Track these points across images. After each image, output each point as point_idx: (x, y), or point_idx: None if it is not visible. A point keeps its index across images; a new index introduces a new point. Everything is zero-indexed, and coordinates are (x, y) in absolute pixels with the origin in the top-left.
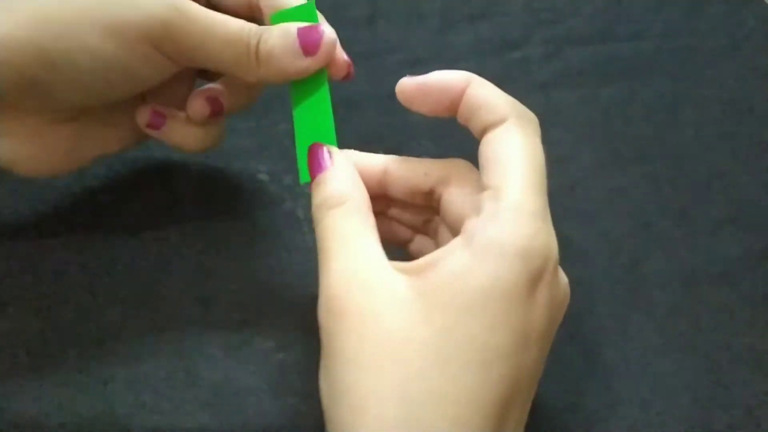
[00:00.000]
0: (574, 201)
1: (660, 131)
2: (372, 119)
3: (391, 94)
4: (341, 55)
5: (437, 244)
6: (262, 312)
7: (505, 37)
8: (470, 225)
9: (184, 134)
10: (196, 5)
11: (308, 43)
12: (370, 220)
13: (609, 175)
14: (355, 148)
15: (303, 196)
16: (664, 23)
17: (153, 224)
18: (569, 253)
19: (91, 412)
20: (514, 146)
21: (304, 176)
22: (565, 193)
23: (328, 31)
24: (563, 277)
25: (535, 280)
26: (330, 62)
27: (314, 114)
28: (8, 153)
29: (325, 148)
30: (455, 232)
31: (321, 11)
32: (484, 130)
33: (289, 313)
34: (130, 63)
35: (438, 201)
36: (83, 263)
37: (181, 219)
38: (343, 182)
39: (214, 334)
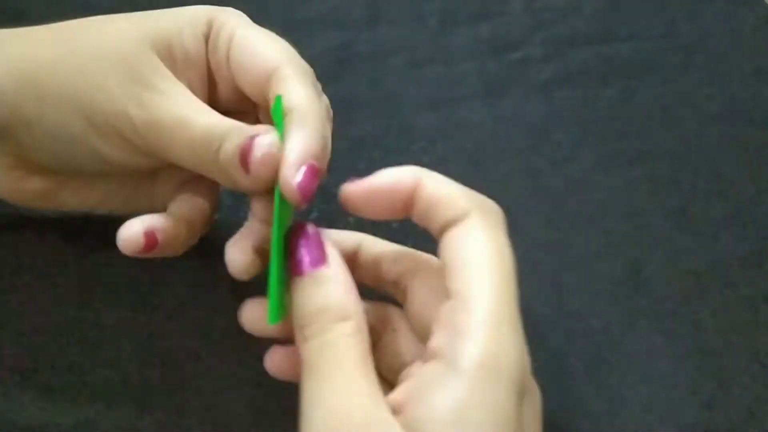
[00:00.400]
0: (575, 201)
1: (660, 131)
2: (371, 121)
3: (391, 95)
4: (290, 176)
5: (397, 340)
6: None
7: (506, 37)
8: (444, 342)
9: (176, 247)
10: (176, 105)
11: (243, 158)
12: (369, 343)
13: (609, 176)
14: (354, 150)
15: None
16: (664, 23)
17: None
18: (569, 253)
19: (91, 413)
20: (478, 246)
21: (273, 314)
22: (565, 194)
23: (264, 143)
24: (534, 383)
25: (521, 394)
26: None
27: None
28: None
29: (323, 233)
30: (419, 331)
31: (321, 14)
32: (444, 228)
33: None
34: (103, 150)
35: (404, 293)
36: (80, 261)
37: None
38: (347, 291)
39: (213, 335)
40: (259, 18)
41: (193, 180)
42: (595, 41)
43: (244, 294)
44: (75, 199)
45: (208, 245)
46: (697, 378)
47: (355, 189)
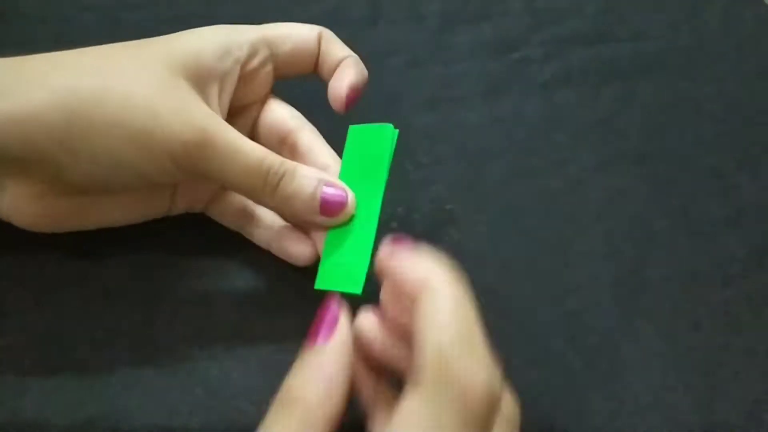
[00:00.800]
0: (575, 201)
1: (660, 131)
2: (371, 121)
3: (391, 96)
4: (342, 90)
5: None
6: (262, 312)
7: (506, 37)
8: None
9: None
10: (225, 130)
11: (329, 208)
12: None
13: (609, 176)
14: None
15: None
16: (664, 23)
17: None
18: (569, 254)
19: (91, 413)
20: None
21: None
22: (565, 194)
23: (351, 197)
24: (511, 401)
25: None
26: None
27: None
28: (7, 209)
29: (343, 312)
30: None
31: (321, 13)
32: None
33: (289, 313)
34: (148, 171)
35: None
36: (81, 262)
37: (182, 220)
38: (328, 378)
39: (213, 335)
40: (259, 18)
41: None
42: (595, 41)
43: (244, 297)
44: (96, 217)
45: (206, 248)
46: (696, 378)
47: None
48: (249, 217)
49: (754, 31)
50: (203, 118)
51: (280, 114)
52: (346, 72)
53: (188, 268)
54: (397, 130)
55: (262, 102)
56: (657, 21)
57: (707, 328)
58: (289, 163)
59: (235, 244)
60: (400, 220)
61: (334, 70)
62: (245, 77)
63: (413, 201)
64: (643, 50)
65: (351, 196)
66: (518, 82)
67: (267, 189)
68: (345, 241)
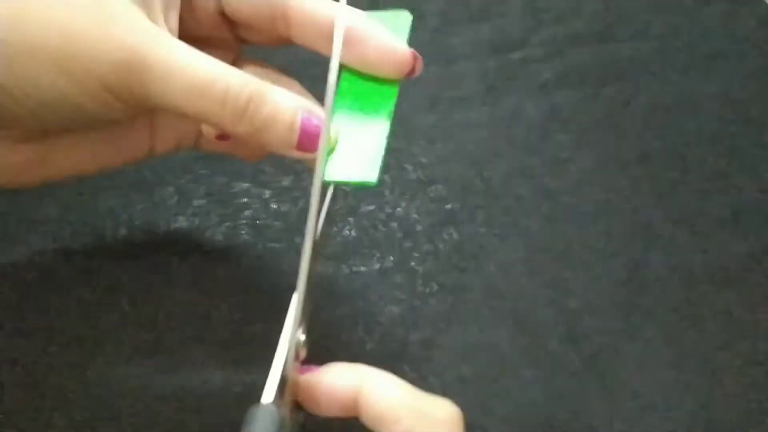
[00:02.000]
0: (575, 202)
1: (660, 132)
2: None
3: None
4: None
5: None
6: (261, 312)
7: (506, 37)
8: None
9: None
10: (161, 44)
11: (309, 142)
12: None
13: (609, 176)
14: None
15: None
16: (664, 23)
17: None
18: (570, 254)
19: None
20: None
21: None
22: (565, 194)
23: (335, 130)
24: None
25: None
26: None
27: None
28: None
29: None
30: None
31: None
32: None
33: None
34: (83, 102)
35: None
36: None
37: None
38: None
39: (214, 335)
40: None
41: None
42: (595, 41)
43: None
44: (64, 164)
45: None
46: (696, 378)
47: (304, 385)
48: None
49: (754, 31)
50: (132, 33)
51: (256, 71)
52: (372, 30)
53: (190, 267)
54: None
55: (221, 34)
56: (657, 21)
57: (707, 328)
58: (254, 84)
59: (234, 244)
60: (400, 220)
61: (329, 32)
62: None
63: (413, 201)
64: (643, 50)
65: (335, 128)
66: (518, 82)
67: (227, 116)
68: (356, 131)
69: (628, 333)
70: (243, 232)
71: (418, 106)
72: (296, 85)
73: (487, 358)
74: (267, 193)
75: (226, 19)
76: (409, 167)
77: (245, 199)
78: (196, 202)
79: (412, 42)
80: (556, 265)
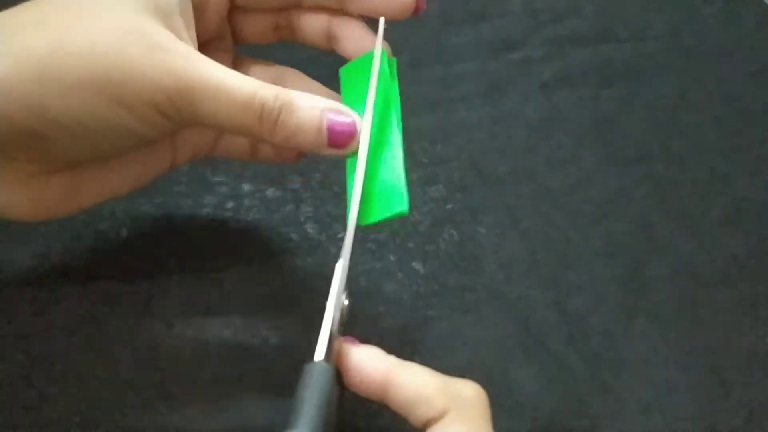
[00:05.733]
0: (575, 202)
1: (660, 132)
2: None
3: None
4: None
5: None
6: (268, 312)
7: (506, 37)
8: None
9: None
10: (206, 68)
11: (339, 138)
12: None
13: (610, 176)
14: None
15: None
16: (664, 23)
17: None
18: (570, 254)
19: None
20: None
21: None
22: (565, 194)
23: (359, 121)
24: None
25: None
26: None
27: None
28: None
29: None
30: None
31: None
32: (426, 426)
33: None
34: (134, 126)
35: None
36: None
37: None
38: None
39: (213, 337)
40: None
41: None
42: (595, 41)
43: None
44: (95, 190)
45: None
46: (697, 378)
47: (339, 351)
48: (256, 144)
49: (754, 31)
50: (178, 60)
51: (257, 68)
52: None
53: (189, 268)
54: (394, 59)
55: (222, 37)
56: (657, 21)
57: (707, 328)
58: (284, 94)
59: (234, 247)
60: (400, 220)
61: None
62: (196, 7)
63: (413, 201)
64: (643, 50)
65: (359, 120)
66: (518, 82)
67: (265, 128)
68: (371, 170)
69: (628, 333)
70: (252, 234)
71: (418, 107)
72: (300, 75)
73: (488, 357)
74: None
75: (230, 18)
76: (410, 167)
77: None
78: (207, 200)
79: (412, 42)
80: (556, 265)
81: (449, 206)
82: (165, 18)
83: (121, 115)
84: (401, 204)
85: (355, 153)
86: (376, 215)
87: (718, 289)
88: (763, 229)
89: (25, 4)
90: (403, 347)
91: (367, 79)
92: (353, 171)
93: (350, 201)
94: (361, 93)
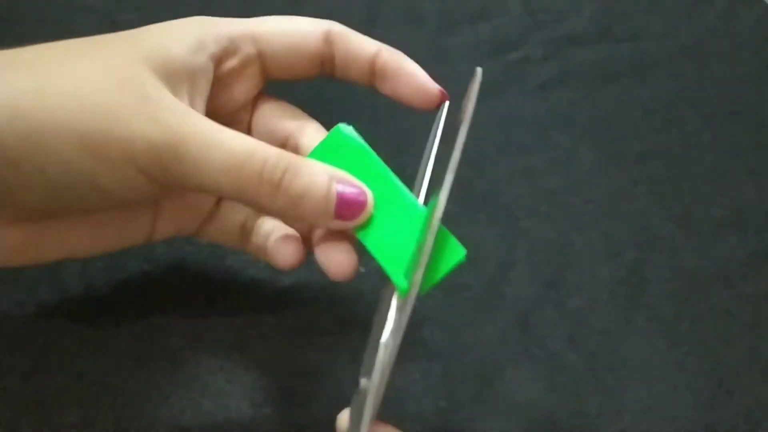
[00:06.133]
0: (575, 202)
1: (660, 132)
2: (370, 121)
3: (390, 98)
4: (432, 85)
5: None
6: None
7: (505, 38)
8: None
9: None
10: (200, 122)
11: (348, 209)
12: None
13: (609, 177)
14: None
15: None
16: (664, 23)
17: None
18: (569, 253)
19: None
20: None
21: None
22: (565, 195)
23: (370, 195)
24: None
25: None
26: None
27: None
28: None
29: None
30: None
31: (320, 14)
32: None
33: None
34: (106, 182)
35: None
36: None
37: None
38: None
39: (215, 339)
40: None
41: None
42: (595, 41)
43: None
44: (57, 247)
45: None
46: (697, 378)
47: None
48: (249, 232)
49: (753, 31)
50: (167, 111)
51: (275, 114)
52: (406, 67)
53: (189, 271)
54: (349, 126)
55: (252, 105)
56: (657, 21)
57: (708, 328)
58: (289, 155)
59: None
60: None
61: (369, 70)
62: (224, 78)
63: None
64: (643, 50)
65: (370, 193)
66: (517, 83)
67: (265, 189)
68: (396, 235)
69: (628, 333)
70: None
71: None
72: (317, 125)
73: (488, 357)
74: None
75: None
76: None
77: None
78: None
79: (411, 42)
80: (556, 265)
81: (449, 206)
82: (169, 75)
83: (94, 168)
84: (457, 252)
85: (362, 228)
86: (438, 273)
87: (718, 289)
88: (763, 230)
89: (33, 46)
90: (402, 347)
91: (346, 152)
92: (373, 243)
93: (392, 272)
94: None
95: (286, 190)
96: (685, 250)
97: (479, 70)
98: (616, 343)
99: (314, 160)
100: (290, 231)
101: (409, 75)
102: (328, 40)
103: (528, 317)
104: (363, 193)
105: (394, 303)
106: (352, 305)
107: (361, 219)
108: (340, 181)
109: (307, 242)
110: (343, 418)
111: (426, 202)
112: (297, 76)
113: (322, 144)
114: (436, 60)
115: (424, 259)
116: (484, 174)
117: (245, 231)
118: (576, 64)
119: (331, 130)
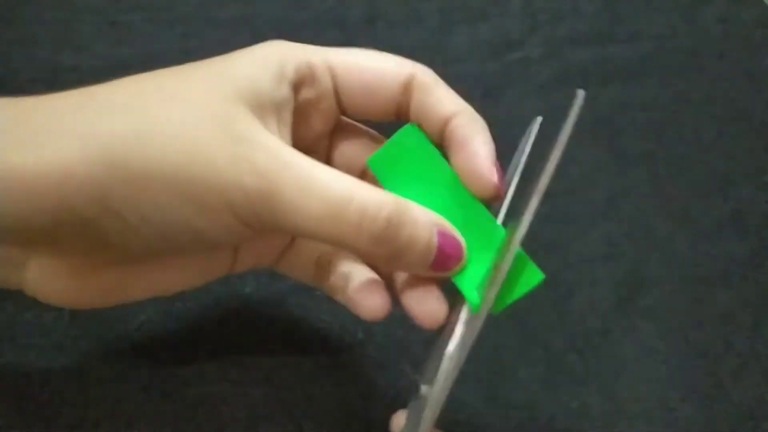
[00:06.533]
0: (575, 203)
1: (660, 132)
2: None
3: None
4: (491, 174)
5: None
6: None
7: (505, 38)
8: None
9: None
10: (296, 165)
11: (445, 261)
12: None
13: (609, 177)
14: None
15: None
16: (664, 23)
17: None
18: (570, 255)
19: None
20: None
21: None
22: (565, 195)
23: (464, 244)
24: None
25: None
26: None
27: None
28: (34, 285)
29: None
30: None
31: (319, 13)
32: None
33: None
34: (208, 230)
35: None
36: None
37: None
38: None
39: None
40: (258, 19)
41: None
42: (594, 41)
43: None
44: (146, 287)
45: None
46: (696, 378)
47: None
48: (325, 267)
49: (753, 31)
50: (262, 154)
51: (353, 142)
52: (475, 144)
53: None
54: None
55: (329, 137)
56: (656, 21)
57: (707, 328)
58: (390, 201)
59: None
60: None
61: (441, 130)
62: (302, 108)
63: None
64: (643, 50)
65: (464, 244)
66: (517, 83)
67: (363, 240)
68: (470, 250)
69: (629, 333)
70: None
71: None
72: None
73: (488, 358)
74: None
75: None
76: None
77: None
78: None
79: (411, 42)
80: (556, 265)
81: None
82: (259, 108)
83: (192, 215)
84: (535, 274)
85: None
86: (508, 298)
87: (717, 289)
88: (762, 230)
89: (99, 85)
90: (402, 348)
91: (411, 158)
92: None
93: (464, 287)
94: (408, 180)
95: (389, 241)
96: (684, 249)
97: (581, 93)
98: (616, 344)
99: (415, 204)
100: (372, 275)
101: (471, 154)
102: (408, 86)
103: (528, 317)
104: (461, 246)
105: (463, 316)
106: None
107: (455, 272)
108: (440, 230)
109: (388, 282)
110: (399, 418)
111: (504, 220)
112: (370, 117)
113: (390, 144)
114: (436, 60)
115: (500, 277)
116: None
117: (320, 267)
118: (576, 64)
119: (400, 129)
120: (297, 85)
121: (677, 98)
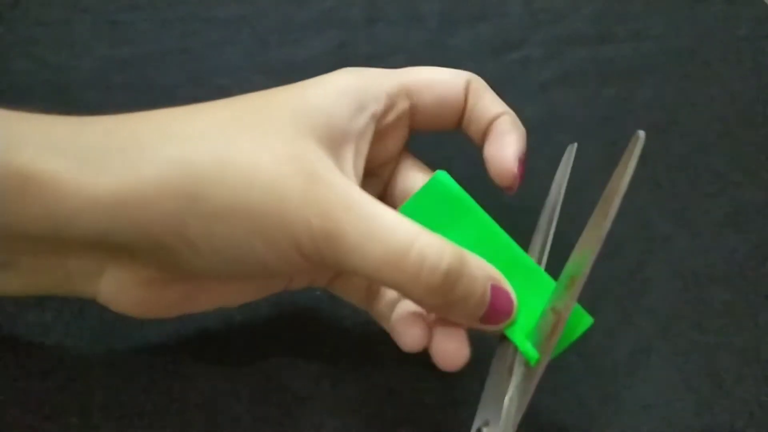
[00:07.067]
0: (574, 203)
1: (660, 132)
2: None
3: None
4: (512, 165)
5: None
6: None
7: (505, 37)
8: None
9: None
10: (361, 209)
11: (495, 316)
12: None
13: (609, 177)
14: None
15: None
16: (664, 23)
17: None
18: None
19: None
20: None
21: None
22: (565, 194)
23: (515, 299)
24: None
25: None
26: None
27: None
28: (105, 295)
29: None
30: None
31: (319, 13)
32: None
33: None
34: (273, 263)
35: None
36: None
37: None
38: None
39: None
40: (259, 19)
41: None
42: (595, 41)
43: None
44: (208, 300)
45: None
46: (696, 378)
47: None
48: (375, 293)
49: (753, 31)
50: (333, 193)
51: (410, 173)
52: (508, 138)
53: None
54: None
55: (396, 161)
56: (657, 21)
57: (707, 328)
58: (449, 254)
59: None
60: None
61: (485, 129)
62: (380, 133)
63: None
64: (643, 50)
65: (515, 298)
66: (518, 83)
67: (419, 289)
68: (524, 299)
69: (628, 333)
70: None
71: None
72: None
73: (488, 358)
74: None
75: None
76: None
77: None
78: None
79: (411, 42)
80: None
81: None
82: (333, 143)
83: (261, 250)
84: (585, 319)
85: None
86: (565, 341)
87: (718, 289)
88: (762, 230)
89: (178, 109)
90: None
91: (445, 207)
92: None
93: (518, 340)
94: (444, 228)
95: (443, 295)
96: (685, 250)
97: (642, 134)
98: (616, 343)
99: (472, 256)
100: (415, 307)
101: (502, 144)
102: (466, 93)
103: None
104: (512, 302)
105: (517, 367)
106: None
107: (502, 327)
108: (494, 284)
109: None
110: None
111: (543, 261)
112: (439, 128)
113: (421, 192)
114: (436, 60)
115: (561, 327)
116: (484, 174)
117: (371, 292)
118: (576, 64)
119: (430, 178)
120: (380, 117)
121: (677, 98)
